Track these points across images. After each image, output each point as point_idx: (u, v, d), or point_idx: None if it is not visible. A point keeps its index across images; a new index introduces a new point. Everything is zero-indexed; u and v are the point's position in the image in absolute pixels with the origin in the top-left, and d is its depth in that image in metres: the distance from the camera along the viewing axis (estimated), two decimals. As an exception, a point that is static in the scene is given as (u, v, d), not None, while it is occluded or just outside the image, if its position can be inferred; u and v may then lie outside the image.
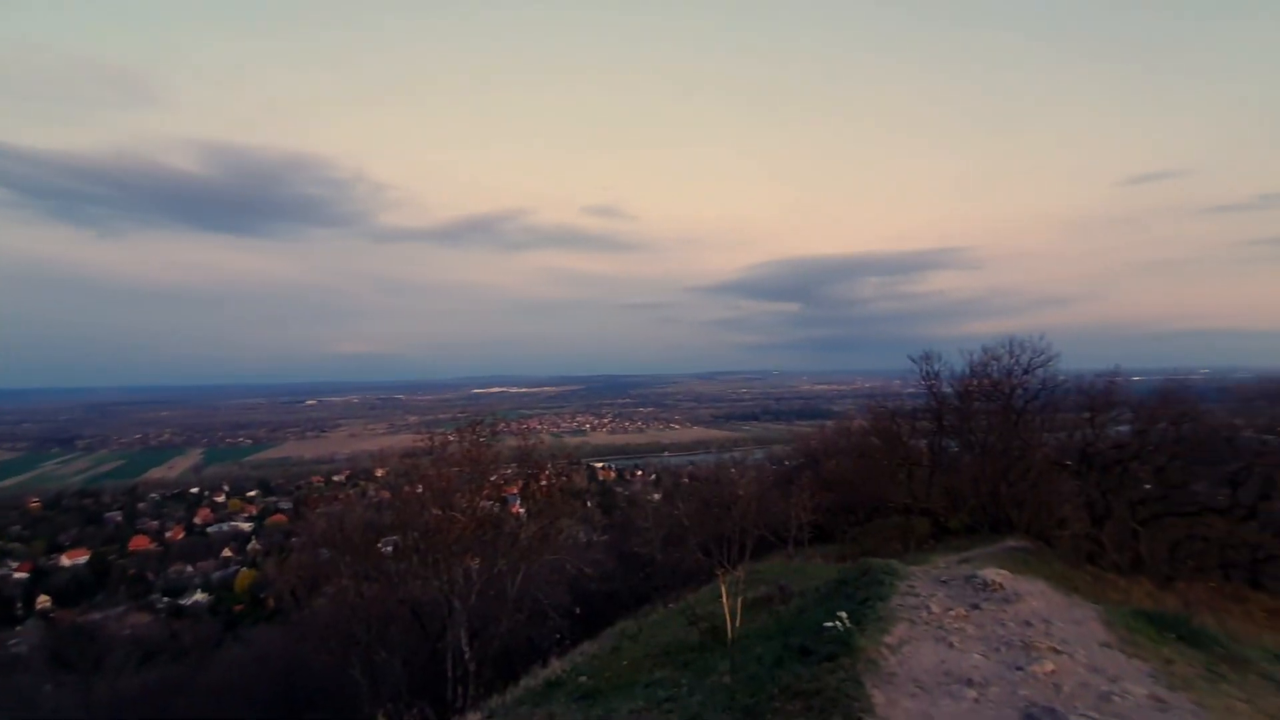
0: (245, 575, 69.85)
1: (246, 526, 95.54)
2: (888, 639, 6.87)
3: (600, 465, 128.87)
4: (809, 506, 22.63)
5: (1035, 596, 8.55)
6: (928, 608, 7.99)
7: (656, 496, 50.55)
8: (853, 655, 6.28)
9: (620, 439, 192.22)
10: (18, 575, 72.30)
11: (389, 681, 15.49)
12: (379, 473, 72.63)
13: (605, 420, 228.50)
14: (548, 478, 19.18)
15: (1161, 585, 17.48)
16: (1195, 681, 6.13)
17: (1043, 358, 22.38)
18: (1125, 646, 6.88)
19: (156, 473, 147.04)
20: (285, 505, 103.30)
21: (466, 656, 14.51)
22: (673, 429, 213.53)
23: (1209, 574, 19.35)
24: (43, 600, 65.40)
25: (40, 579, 71.17)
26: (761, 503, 23.39)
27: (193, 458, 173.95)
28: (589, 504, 59.01)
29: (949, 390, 24.93)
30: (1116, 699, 5.45)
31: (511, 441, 19.49)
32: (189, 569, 76.44)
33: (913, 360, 25.41)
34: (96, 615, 52.88)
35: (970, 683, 5.75)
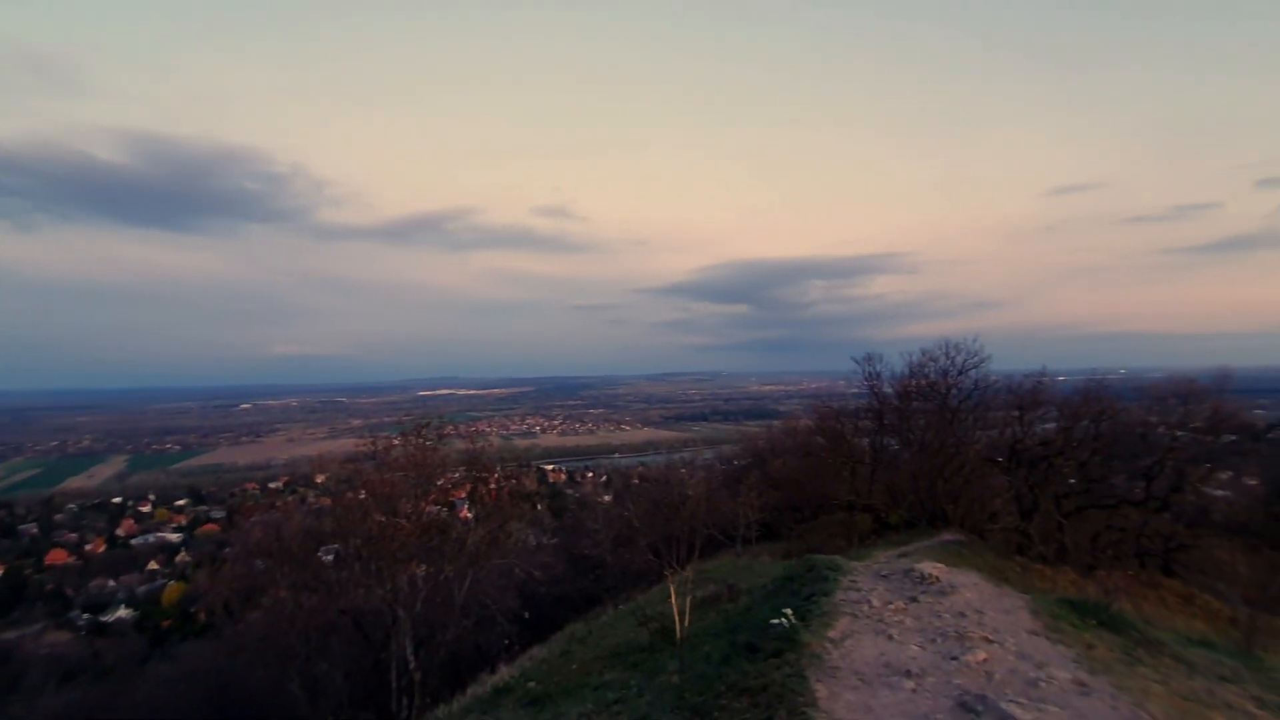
0: (174, 589, 66.29)
1: (175, 537, 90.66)
2: (831, 633, 7.05)
3: (551, 467, 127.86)
4: (756, 505, 23.01)
5: (969, 588, 8.92)
6: (869, 601, 8.24)
7: (607, 498, 50.55)
8: (797, 651, 6.42)
9: (571, 441, 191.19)
10: (-79, 594, 66.70)
11: (330, 694, 14.97)
12: (319, 479, 70.19)
13: (556, 422, 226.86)
14: (496, 481, 18.90)
15: (1084, 574, 18.49)
16: (1114, 665, 6.51)
17: (976, 359, 23.46)
18: (1051, 634, 7.25)
19: (75, 482, 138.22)
20: (217, 514, 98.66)
21: (411, 666, 14.16)
22: (623, 430, 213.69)
23: (1126, 563, 20.61)
24: (-50, 620, 60.49)
25: (-53, 597, 65.83)
26: (710, 502, 23.65)
27: (116, 465, 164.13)
28: (539, 507, 58.41)
29: (889, 390, 25.80)
30: (1043, 684, 5.74)
31: (459, 444, 19.12)
32: (111, 583, 72.26)
33: (855, 361, 26.25)
34: (12, 634, 49.50)
35: (908, 673, 5.95)
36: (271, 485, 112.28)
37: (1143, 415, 22.58)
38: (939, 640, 6.88)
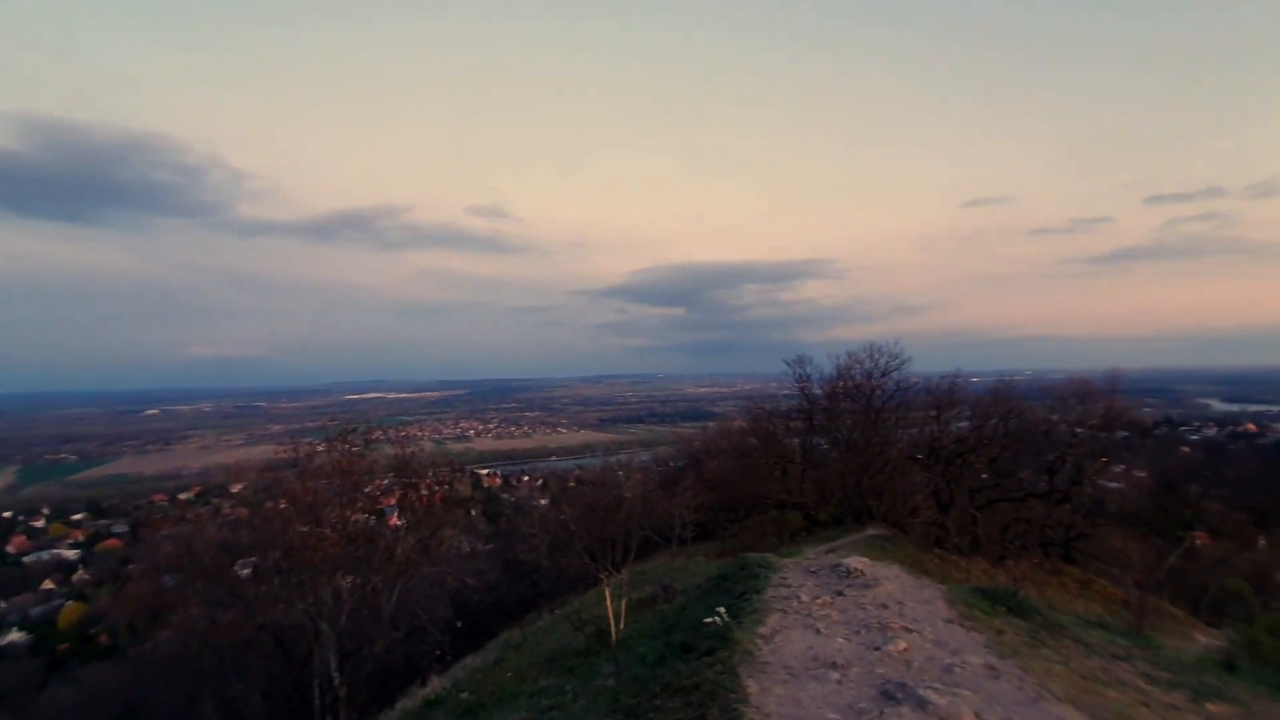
0: (72, 609, 61.30)
1: (72, 554, 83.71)
2: (762, 630, 7.23)
3: (485, 471, 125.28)
4: (692, 505, 23.32)
5: (891, 580, 9.33)
6: (798, 597, 8.49)
7: (543, 502, 49.97)
8: (730, 648, 6.55)
9: (506, 444, 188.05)
10: None
11: (247, 715, 14.24)
12: (235, 488, 66.30)
13: (491, 425, 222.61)
14: (428, 487, 18.38)
15: (995, 563, 19.69)
16: (1021, 648, 6.95)
17: (897, 361, 24.61)
18: (965, 621, 7.68)
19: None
20: (120, 528, 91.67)
21: (336, 682, 13.61)
22: (560, 433, 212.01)
23: (1032, 552, 22.09)
24: None
25: None
26: (647, 504, 23.80)
27: (5, 477, 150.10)
28: (473, 512, 57.11)
29: (819, 392, 26.69)
30: (957, 670, 6.07)
31: (389, 450, 18.50)
32: (3, 605, 66.30)
33: (787, 364, 27.02)
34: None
35: (834, 665, 6.18)
36: (182, 496, 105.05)
37: (1045, 414, 24.28)
38: (863, 632, 7.16)
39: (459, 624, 19.04)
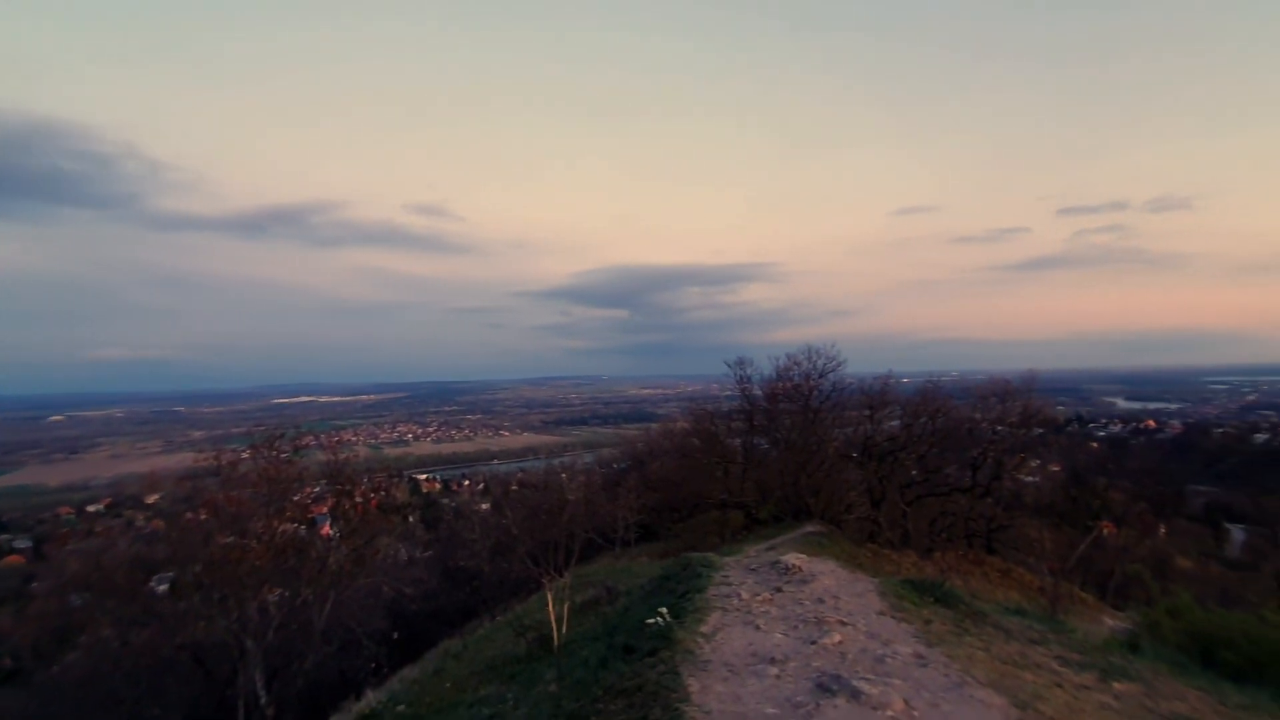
0: (-38, 634, 56.11)
1: (-37, 574, 76.84)
2: (704, 628, 7.32)
3: (424, 476, 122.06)
4: (635, 507, 23.40)
5: (827, 575, 9.63)
6: (739, 595, 8.64)
7: (485, 506, 49.06)
8: (672, 648, 6.60)
9: (447, 448, 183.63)
10: None
11: (164, 741, 13.37)
12: (150, 499, 62.42)
13: (430, 429, 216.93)
14: (363, 493, 17.79)
15: (924, 556, 20.56)
16: (947, 637, 7.30)
17: (834, 363, 25.40)
18: (895, 613, 8.00)
19: None
20: (21, 544, 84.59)
21: (263, 701, 13.00)
22: (502, 436, 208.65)
23: (957, 544, 23.20)
24: None
25: None
26: (590, 506, 23.74)
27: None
28: (410, 519, 55.51)
29: (759, 393, 27.24)
30: (888, 660, 6.32)
31: (320, 456, 17.81)
32: (-120, 631, 59.76)
33: (728, 365, 27.46)
34: None
35: (773, 660, 6.32)
36: (90, 508, 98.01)
37: (969, 413, 25.56)
38: (800, 626, 7.36)
39: (396, 635, 18.49)
